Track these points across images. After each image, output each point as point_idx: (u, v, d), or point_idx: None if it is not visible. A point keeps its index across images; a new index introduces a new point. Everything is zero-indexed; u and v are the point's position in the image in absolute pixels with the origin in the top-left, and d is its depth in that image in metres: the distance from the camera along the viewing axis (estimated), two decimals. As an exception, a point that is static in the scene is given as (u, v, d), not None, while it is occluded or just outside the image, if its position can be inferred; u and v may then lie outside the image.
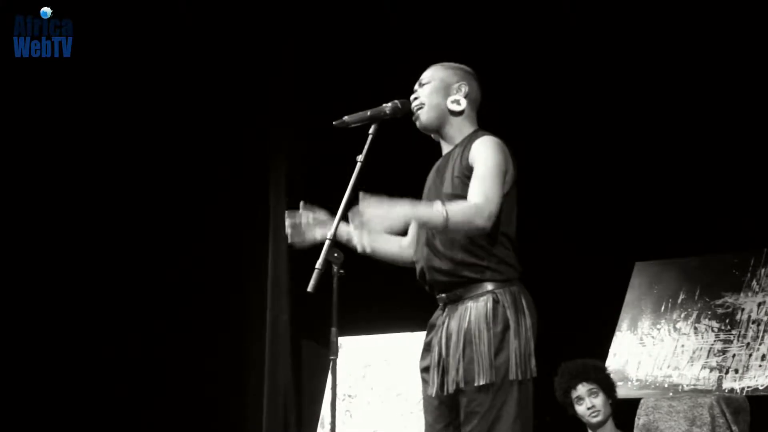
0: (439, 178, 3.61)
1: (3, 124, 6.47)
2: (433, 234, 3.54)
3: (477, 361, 3.37)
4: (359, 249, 3.44)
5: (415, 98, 3.67)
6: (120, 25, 6.46)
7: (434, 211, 3.29)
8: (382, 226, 3.24)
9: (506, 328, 3.40)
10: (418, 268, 3.64)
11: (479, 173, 3.43)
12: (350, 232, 3.56)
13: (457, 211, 3.31)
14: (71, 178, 6.63)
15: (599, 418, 4.81)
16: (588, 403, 4.80)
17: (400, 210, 3.25)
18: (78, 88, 6.53)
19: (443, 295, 3.55)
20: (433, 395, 3.51)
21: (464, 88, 3.64)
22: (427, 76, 3.69)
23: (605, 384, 4.87)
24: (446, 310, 3.53)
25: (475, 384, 3.37)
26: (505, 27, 6.02)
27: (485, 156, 3.46)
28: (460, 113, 3.62)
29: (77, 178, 6.64)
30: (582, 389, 4.82)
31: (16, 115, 6.49)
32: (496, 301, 3.42)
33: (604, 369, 5.02)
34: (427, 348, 3.58)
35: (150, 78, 6.61)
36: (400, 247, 3.79)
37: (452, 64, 3.71)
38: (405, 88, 3.78)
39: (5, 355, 6.46)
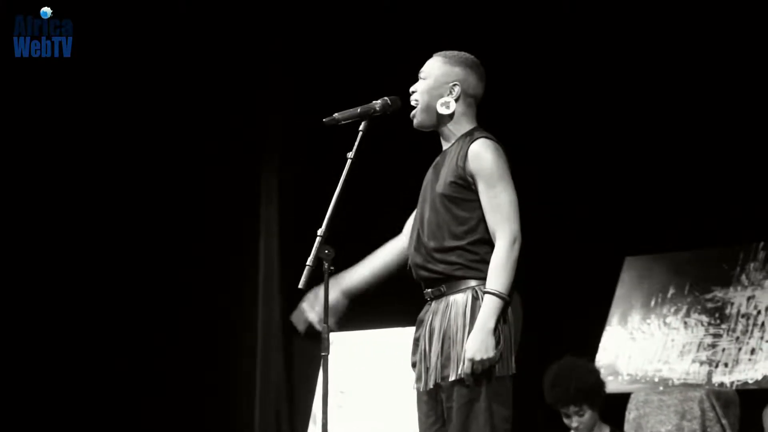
0: (435, 176, 3.54)
1: (3, 124, 6.38)
2: (422, 233, 3.49)
3: (452, 357, 3.34)
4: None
5: (412, 92, 3.58)
6: (120, 25, 6.39)
7: (493, 305, 3.30)
8: (491, 354, 3.28)
9: None
10: (409, 261, 3.60)
11: (488, 192, 3.37)
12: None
13: (499, 277, 3.31)
14: (71, 178, 6.55)
15: None
16: (575, 422, 4.75)
17: (484, 335, 3.28)
18: (78, 88, 6.46)
19: (429, 290, 3.50)
20: (421, 390, 3.48)
21: (456, 89, 3.51)
22: (425, 70, 3.59)
23: (591, 400, 4.78)
24: (432, 305, 3.49)
25: (450, 379, 3.34)
26: (497, 20, 5.96)
27: (488, 169, 3.38)
28: (450, 116, 3.52)
29: (76, 178, 6.56)
30: (569, 410, 4.77)
31: (16, 115, 6.41)
32: (475, 298, 3.37)
33: (589, 384, 4.84)
34: (416, 343, 3.54)
35: (148, 78, 6.54)
36: (398, 254, 3.68)
37: (453, 55, 3.58)
38: (397, 86, 3.69)
39: (3, 356, 6.37)
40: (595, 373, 4.97)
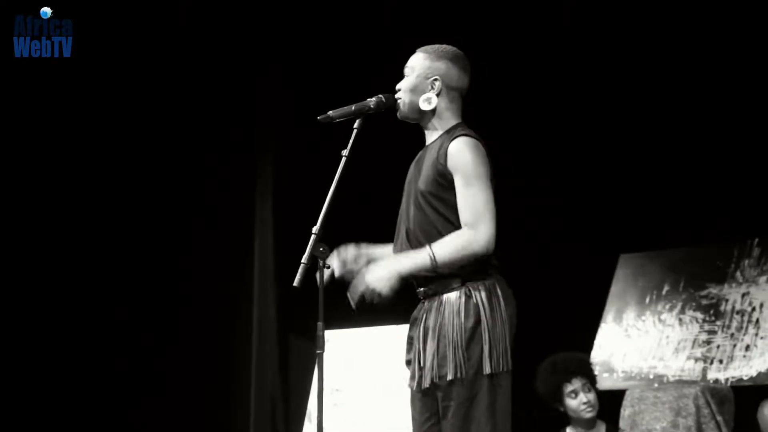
0: (417, 171, 3.51)
1: (3, 124, 6.36)
2: (409, 229, 3.46)
3: (448, 357, 3.30)
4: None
5: (398, 90, 3.56)
6: (120, 25, 6.37)
7: (420, 258, 3.32)
8: (386, 290, 3.30)
9: (477, 322, 3.31)
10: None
11: (464, 191, 3.33)
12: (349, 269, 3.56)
13: (444, 248, 3.31)
14: (70, 178, 6.52)
15: (594, 413, 4.65)
16: (583, 398, 4.62)
17: (393, 270, 3.32)
18: (78, 88, 6.43)
19: (421, 289, 3.48)
20: (415, 389, 3.45)
21: (437, 84, 3.49)
22: (409, 65, 3.57)
23: (594, 379, 4.71)
24: (425, 304, 3.46)
25: (447, 378, 3.31)
26: (491, 17, 5.93)
27: (465, 167, 3.35)
28: (433, 111, 3.49)
29: (76, 178, 6.53)
30: (577, 383, 4.64)
31: (16, 115, 6.39)
32: (468, 296, 3.34)
33: (587, 357, 4.90)
34: (410, 342, 3.51)
35: (146, 78, 6.51)
36: None
37: (435, 50, 3.54)
38: (392, 83, 3.64)
39: (1, 356, 6.35)
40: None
